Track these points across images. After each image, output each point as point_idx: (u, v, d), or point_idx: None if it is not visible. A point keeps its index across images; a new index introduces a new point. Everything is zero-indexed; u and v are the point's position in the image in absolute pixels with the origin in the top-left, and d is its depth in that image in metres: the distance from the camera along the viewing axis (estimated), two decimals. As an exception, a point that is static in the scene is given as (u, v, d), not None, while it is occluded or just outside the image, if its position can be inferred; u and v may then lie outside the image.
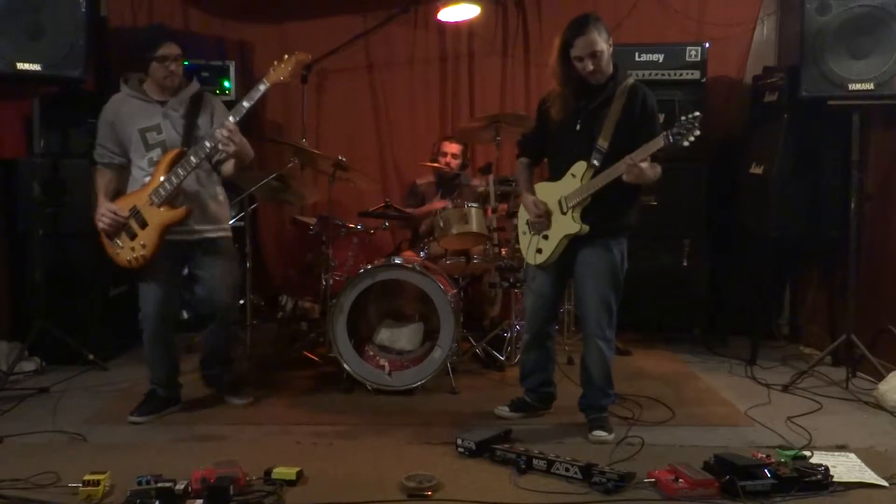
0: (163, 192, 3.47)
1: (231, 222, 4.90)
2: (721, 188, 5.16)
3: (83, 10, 4.20)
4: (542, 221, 3.44)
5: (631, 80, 3.36)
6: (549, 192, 3.45)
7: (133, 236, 3.51)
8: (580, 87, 3.34)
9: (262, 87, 3.41)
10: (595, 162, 3.27)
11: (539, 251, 3.49)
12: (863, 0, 4.09)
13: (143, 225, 3.50)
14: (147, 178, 3.54)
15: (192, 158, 3.46)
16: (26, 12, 4.10)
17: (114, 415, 3.69)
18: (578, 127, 3.35)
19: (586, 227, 3.32)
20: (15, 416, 3.68)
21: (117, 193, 3.62)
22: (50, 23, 4.13)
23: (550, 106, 3.45)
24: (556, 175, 3.45)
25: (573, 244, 3.39)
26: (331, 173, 4.35)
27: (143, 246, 3.49)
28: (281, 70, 3.43)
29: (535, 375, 3.66)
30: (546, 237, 3.45)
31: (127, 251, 3.52)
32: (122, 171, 3.66)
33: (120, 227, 3.51)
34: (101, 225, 3.53)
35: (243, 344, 4.58)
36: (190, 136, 3.58)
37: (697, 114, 3.07)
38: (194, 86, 3.71)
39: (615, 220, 3.38)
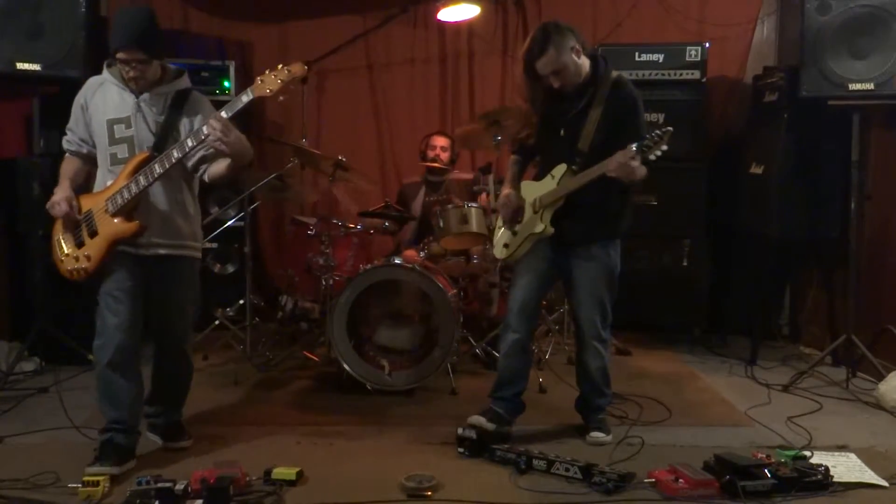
0: (119, 201, 2.97)
1: (230, 222, 4.96)
2: (721, 188, 5.16)
3: (83, 10, 4.20)
4: (511, 216, 3.43)
5: (614, 76, 3.28)
6: (529, 191, 3.44)
7: (80, 244, 3.03)
8: (558, 93, 3.27)
9: (244, 99, 2.89)
10: (574, 167, 3.24)
11: (506, 246, 3.49)
12: (863, 0, 4.10)
13: (93, 234, 3.01)
14: (110, 180, 3.05)
15: (156, 167, 2.94)
16: (26, 12, 4.09)
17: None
18: (563, 132, 3.30)
19: (550, 229, 3.31)
20: (15, 416, 3.67)
21: (82, 190, 3.17)
22: (50, 23, 4.13)
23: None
24: (540, 177, 3.44)
25: (567, 248, 3.35)
26: (331, 173, 4.36)
27: (88, 258, 3.00)
28: (269, 82, 2.86)
29: (515, 383, 3.43)
30: (515, 233, 3.45)
31: (70, 260, 3.03)
32: (91, 163, 3.19)
33: (72, 226, 3.06)
34: (55, 212, 3.04)
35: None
36: (165, 139, 3.04)
37: (670, 129, 2.98)
38: (182, 81, 3.15)
39: (609, 224, 3.34)
